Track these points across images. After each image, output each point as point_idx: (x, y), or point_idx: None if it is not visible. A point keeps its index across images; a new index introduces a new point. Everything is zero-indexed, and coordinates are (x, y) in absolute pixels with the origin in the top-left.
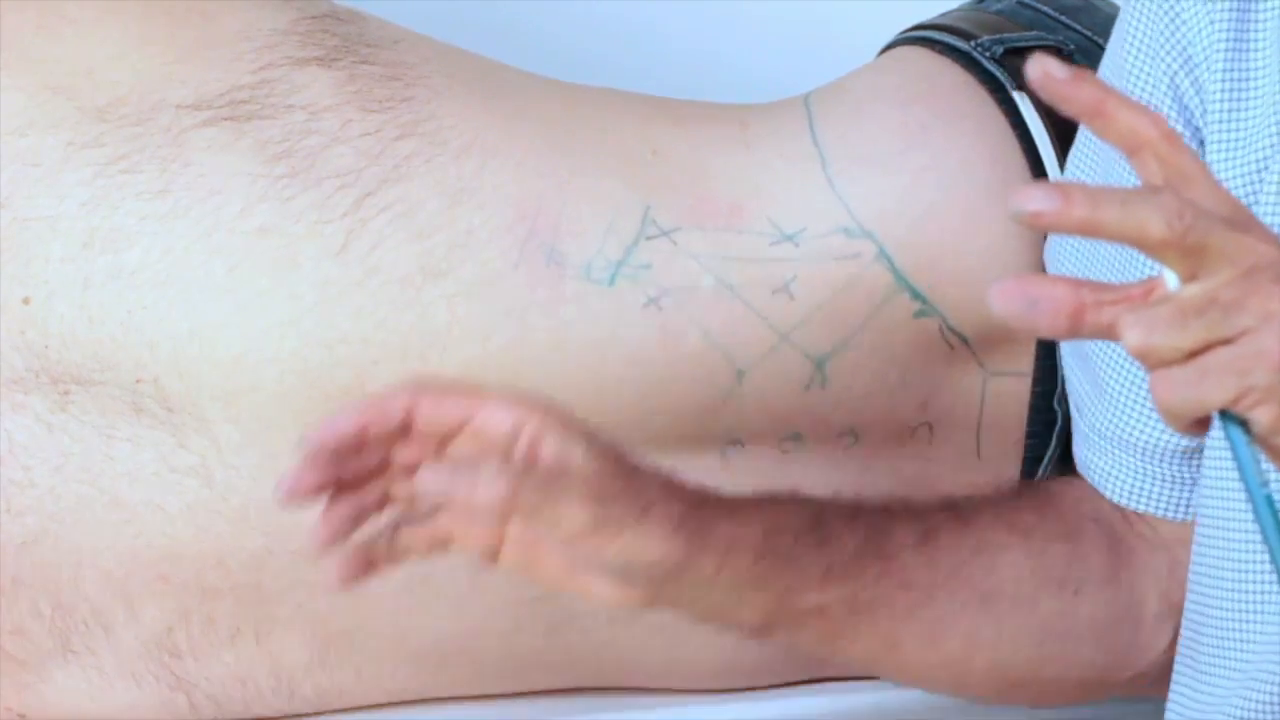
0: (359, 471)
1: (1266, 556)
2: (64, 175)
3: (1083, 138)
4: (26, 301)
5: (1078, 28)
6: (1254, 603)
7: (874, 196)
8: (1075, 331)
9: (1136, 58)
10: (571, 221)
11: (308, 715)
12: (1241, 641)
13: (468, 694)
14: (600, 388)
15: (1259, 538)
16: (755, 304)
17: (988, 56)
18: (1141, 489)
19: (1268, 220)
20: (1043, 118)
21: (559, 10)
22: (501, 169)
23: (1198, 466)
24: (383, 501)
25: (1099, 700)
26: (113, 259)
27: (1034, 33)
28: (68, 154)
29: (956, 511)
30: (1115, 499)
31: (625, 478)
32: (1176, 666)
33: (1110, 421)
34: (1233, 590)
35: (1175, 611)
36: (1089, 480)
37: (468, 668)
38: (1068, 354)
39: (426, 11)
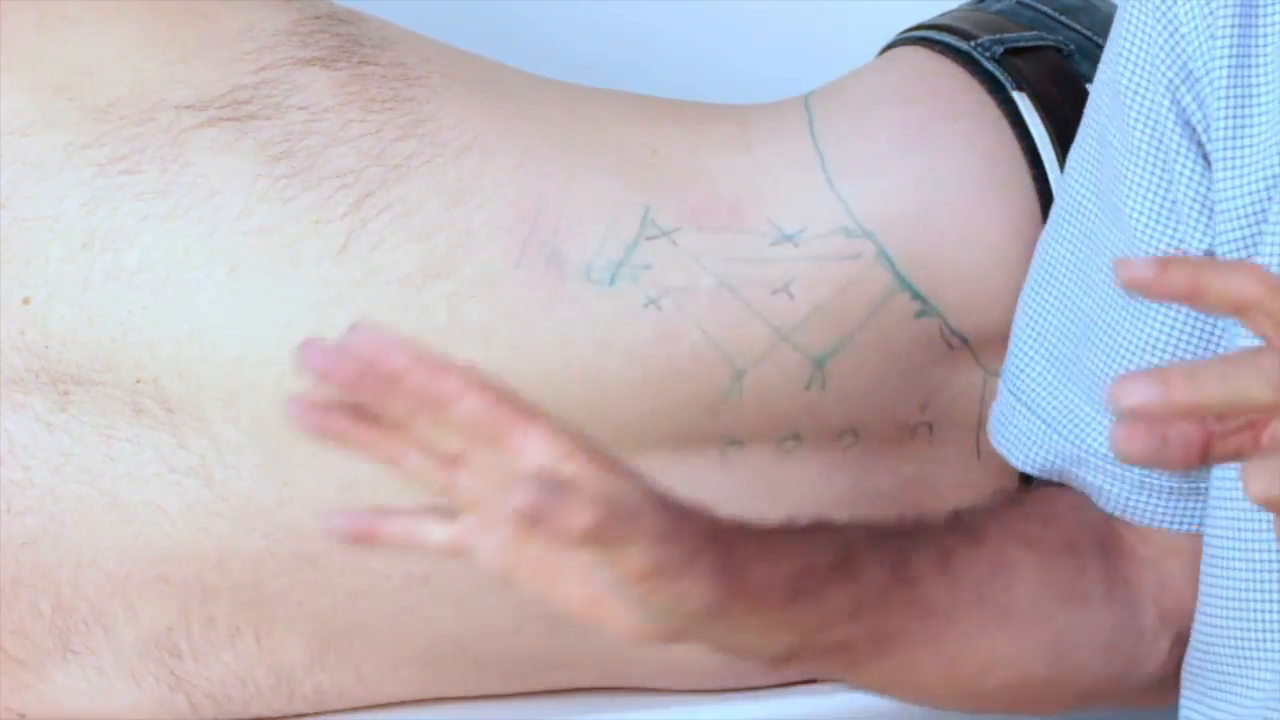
0: (376, 403)
1: (1274, 581)
2: (64, 175)
3: (1081, 140)
4: (26, 302)
5: (1077, 28)
6: (1262, 629)
7: (874, 196)
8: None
9: (1133, 71)
10: (571, 222)
11: (308, 715)
12: (1251, 666)
13: (468, 694)
14: (600, 388)
15: (1266, 560)
16: (755, 304)
17: (987, 56)
18: (1139, 502)
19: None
20: (1043, 118)
21: (559, 10)
22: (501, 169)
23: (1195, 476)
24: (395, 453)
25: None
26: (113, 259)
27: (1034, 33)
28: (68, 154)
29: (966, 529)
30: (1112, 511)
31: (679, 519)
32: (1184, 689)
33: (1104, 438)
34: (1241, 614)
35: (1169, 622)
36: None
37: (468, 668)
38: (1037, 364)
39: (426, 11)
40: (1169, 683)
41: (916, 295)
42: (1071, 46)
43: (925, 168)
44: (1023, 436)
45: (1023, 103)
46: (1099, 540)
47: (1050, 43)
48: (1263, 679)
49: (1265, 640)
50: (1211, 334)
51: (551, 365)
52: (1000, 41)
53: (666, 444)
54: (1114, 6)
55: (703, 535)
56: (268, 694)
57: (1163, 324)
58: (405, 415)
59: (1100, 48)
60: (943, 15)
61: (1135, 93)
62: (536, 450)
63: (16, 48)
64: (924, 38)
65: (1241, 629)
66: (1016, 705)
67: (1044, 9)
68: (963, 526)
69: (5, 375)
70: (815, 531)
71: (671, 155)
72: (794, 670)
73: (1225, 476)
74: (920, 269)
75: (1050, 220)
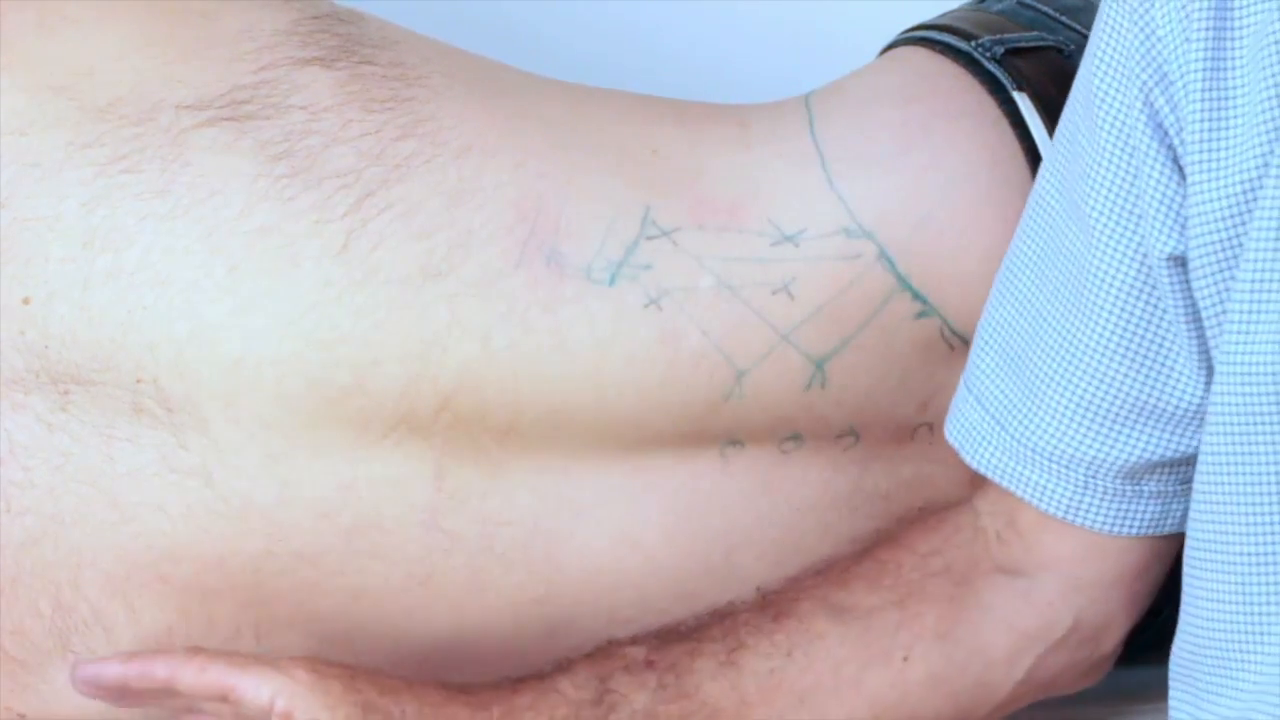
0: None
1: (1268, 579)
2: (64, 175)
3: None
4: (26, 302)
5: (1078, 28)
6: (1256, 626)
7: (874, 197)
8: None
9: (1106, 72)
10: (572, 222)
11: None
12: (1243, 664)
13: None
14: (600, 388)
15: (1259, 558)
16: (755, 304)
17: (988, 57)
18: (1080, 504)
19: (1256, 248)
20: (1043, 118)
21: (559, 10)
22: (501, 169)
23: (1139, 480)
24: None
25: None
26: (113, 259)
27: (1034, 33)
28: (68, 154)
29: (771, 610)
30: (1052, 513)
31: None
32: (1173, 687)
33: (1046, 437)
34: (1234, 612)
35: (1036, 638)
36: (1017, 493)
37: (468, 668)
38: (989, 359)
39: (426, 11)
40: (1047, 691)
41: (917, 296)
42: (1072, 47)
43: (926, 168)
44: (973, 432)
45: (1023, 103)
46: (952, 581)
47: (1051, 43)
48: (1255, 676)
49: (1257, 638)
50: (1158, 340)
51: (551, 365)
52: (1001, 42)
53: (667, 444)
54: None
55: None
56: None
57: (1108, 326)
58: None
59: None
60: (943, 15)
61: (1106, 94)
62: (249, 695)
63: (16, 48)
64: (925, 38)
65: (1232, 627)
66: None
67: (1045, 9)
68: (768, 609)
69: (5, 375)
70: (568, 672)
71: (672, 155)
72: None
73: (1210, 476)
74: (921, 270)
75: (1022, 217)
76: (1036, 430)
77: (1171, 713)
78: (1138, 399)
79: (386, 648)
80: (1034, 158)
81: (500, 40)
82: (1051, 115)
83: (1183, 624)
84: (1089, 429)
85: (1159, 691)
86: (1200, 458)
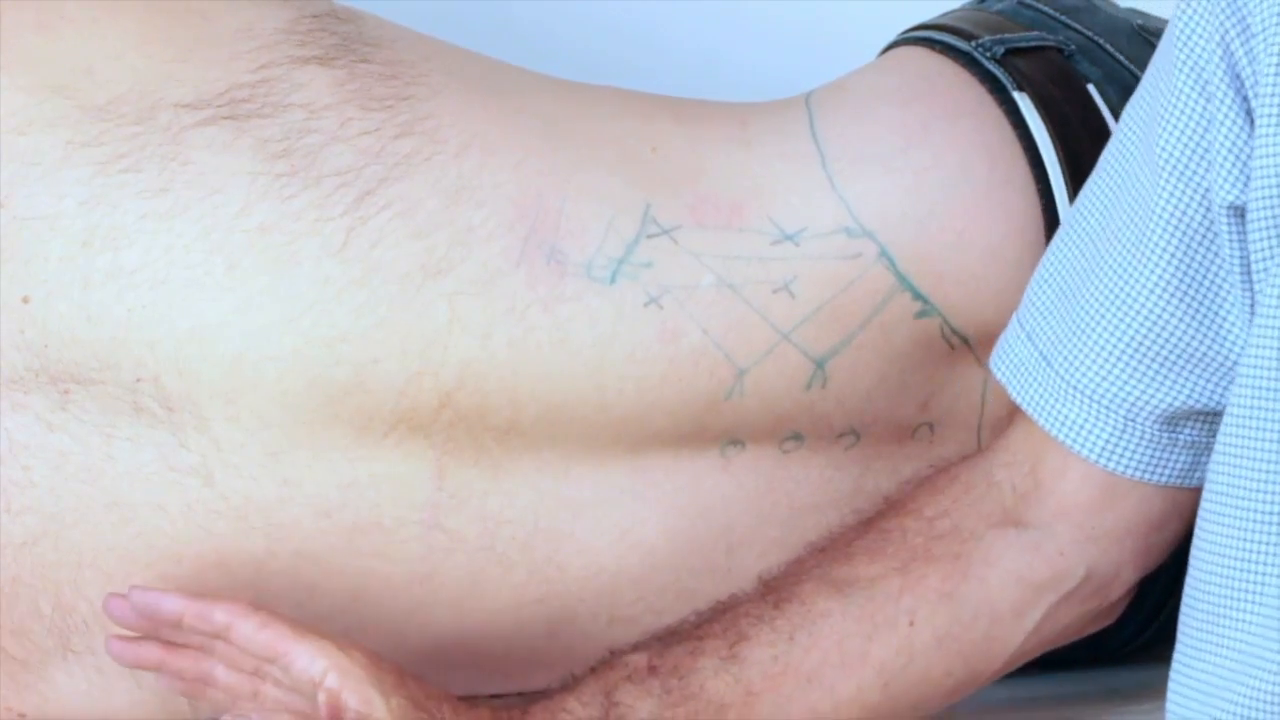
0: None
1: (1270, 535)
2: (63, 174)
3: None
4: (26, 300)
5: (1078, 27)
6: (1252, 580)
7: (875, 196)
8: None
9: (1190, 19)
10: (572, 220)
11: None
12: (1238, 619)
13: (468, 694)
14: (600, 386)
15: (1265, 513)
16: (756, 303)
17: (988, 57)
18: (1118, 447)
19: None
20: (1043, 117)
21: (559, 10)
22: (501, 167)
23: (1175, 428)
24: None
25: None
26: (112, 258)
27: (1035, 33)
28: (67, 153)
29: (773, 596)
30: (1089, 456)
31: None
32: (1176, 648)
33: (1091, 374)
34: (1232, 565)
35: (1045, 589)
36: (1056, 435)
37: (468, 668)
38: (1046, 295)
39: (426, 11)
40: (1098, 620)
41: (917, 295)
42: (1072, 47)
43: (926, 167)
44: (1019, 367)
45: (1024, 103)
46: (957, 540)
47: (1051, 43)
48: (1247, 635)
49: (1254, 592)
50: (1214, 287)
51: (552, 364)
52: (1001, 42)
53: (667, 443)
54: (1115, 7)
55: None
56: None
57: (1167, 268)
58: (203, 642)
59: (1101, 48)
60: (944, 15)
61: (1188, 39)
62: (301, 665)
63: (15, 47)
64: (925, 38)
65: (1229, 582)
66: None
67: (1045, 9)
68: (769, 595)
69: (5, 374)
70: (574, 690)
71: (672, 153)
72: None
73: (1232, 428)
74: (921, 269)
75: (1103, 155)
76: (1082, 367)
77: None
78: (1187, 344)
79: (387, 647)
80: (1034, 157)
81: (500, 39)
82: (1051, 115)
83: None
84: (1135, 369)
85: (1159, 691)
86: (1228, 410)
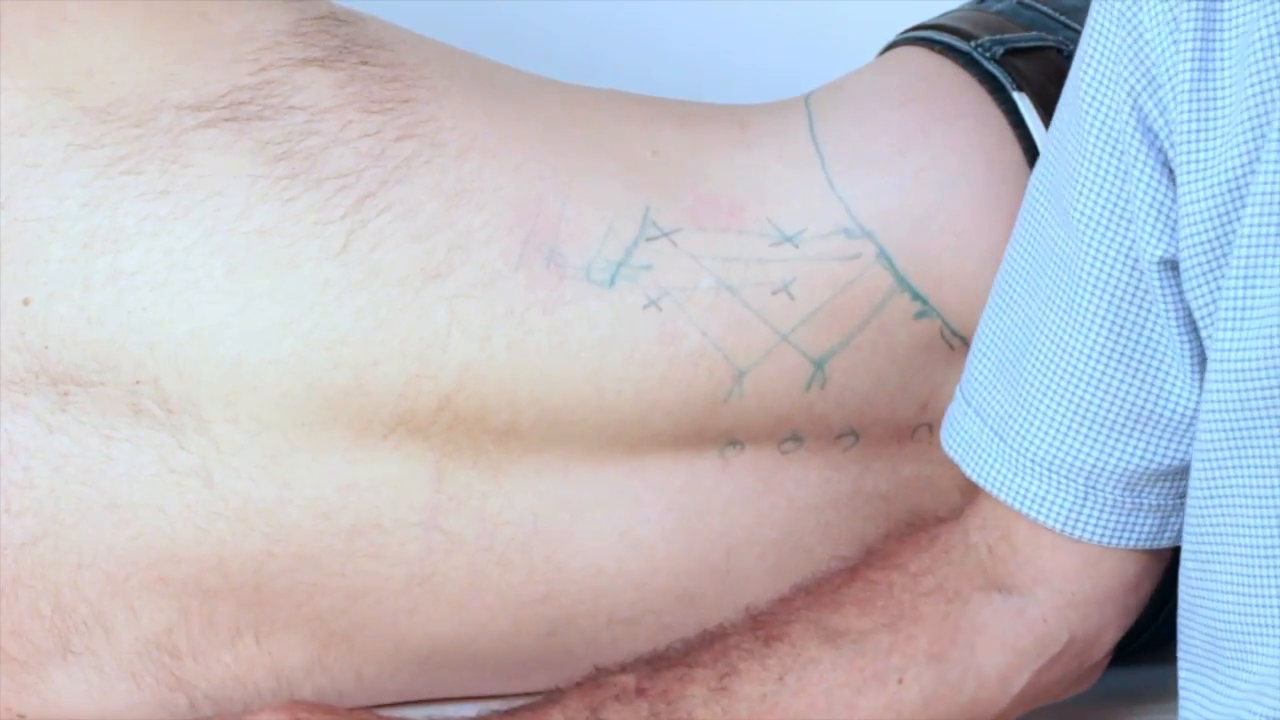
0: None
1: (1272, 571)
2: (64, 176)
3: (1046, 145)
4: (26, 302)
5: (1078, 28)
6: (1263, 615)
7: (874, 197)
8: None
9: (1094, 76)
10: (571, 223)
11: None
12: (1252, 654)
13: (468, 695)
14: (600, 388)
15: (1265, 552)
16: (755, 305)
17: (988, 57)
18: (1080, 515)
19: (1247, 242)
20: (1043, 118)
21: (559, 10)
22: (501, 170)
23: (1139, 491)
24: None
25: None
26: (113, 260)
27: (1034, 33)
28: (68, 155)
29: (763, 632)
30: (1051, 525)
31: None
32: (1183, 678)
33: (1044, 446)
34: (1245, 603)
35: (1030, 655)
36: (1019, 509)
37: (467, 669)
38: (985, 369)
39: (426, 12)
40: (1073, 687)
41: (916, 296)
42: (1072, 47)
43: (926, 168)
44: (971, 443)
45: (1023, 103)
46: (944, 600)
47: (1051, 43)
48: (1257, 669)
49: (1262, 632)
50: (1151, 344)
51: (551, 366)
52: (1001, 42)
53: (666, 445)
54: None
55: None
56: (268, 695)
57: (1100, 331)
58: None
59: None
60: (943, 15)
61: (1094, 98)
62: None
63: (16, 49)
64: (924, 38)
65: (1242, 621)
66: None
67: (1044, 9)
68: (759, 631)
69: (5, 376)
70: (559, 704)
71: (671, 156)
72: None
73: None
74: (920, 270)
75: (1016, 224)
76: (1034, 439)
77: (1182, 703)
78: (1133, 405)
79: (386, 648)
80: (1034, 158)
81: (500, 40)
82: (1051, 115)
83: (1190, 618)
84: (1086, 436)
85: (1159, 692)
86: (1196, 454)
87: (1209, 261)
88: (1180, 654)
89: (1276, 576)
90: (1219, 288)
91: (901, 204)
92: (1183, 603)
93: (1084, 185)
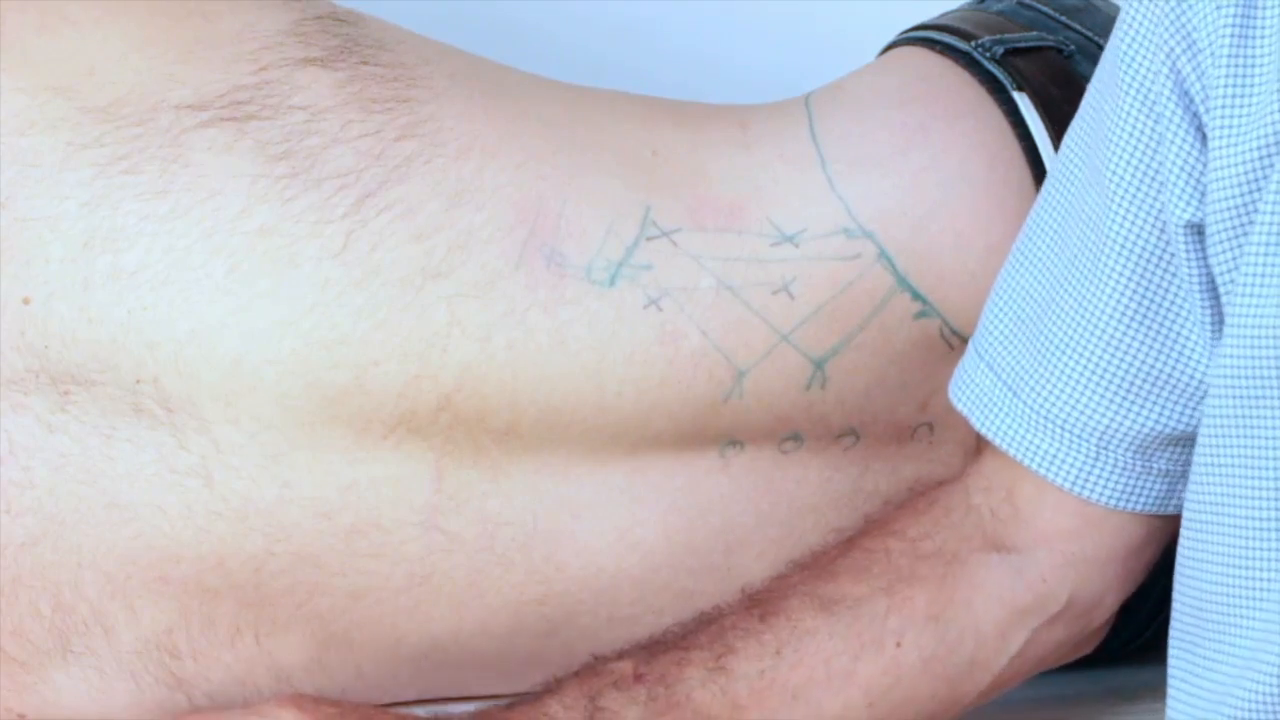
0: None
1: (1268, 540)
2: (64, 175)
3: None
4: (26, 301)
5: (1078, 28)
6: (1256, 585)
7: (874, 197)
8: None
9: (1134, 40)
10: (571, 222)
11: None
12: (1242, 625)
13: (468, 694)
14: (600, 388)
15: (1260, 521)
16: (755, 304)
17: (988, 57)
18: (1090, 475)
19: (1272, 209)
20: (1043, 118)
21: (560, 10)
22: (501, 170)
23: (1149, 456)
24: None
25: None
26: (113, 259)
27: (1034, 33)
28: (68, 154)
29: (759, 610)
30: (1063, 485)
31: None
32: (1172, 658)
33: (1059, 403)
34: (1234, 575)
35: (1029, 613)
36: (1028, 465)
37: (467, 668)
38: (1003, 324)
39: (427, 12)
40: (1038, 668)
41: (917, 296)
42: (1072, 47)
43: (926, 168)
44: (983, 398)
45: (1023, 103)
46: (943, 563)
47: (1051, 43)
48: (1249, 640)
49: (1255, 602)
50: (1174, 308)
51: (551, 366)
52: (1001, 42)
53: (666, 445)
54: (1115, 7)
55: None
56: (268, 694)
57: (1124, 292)
58: None
59: (1101, 48)
60: (943, 15)
61: (1132, 60)
62: None
63: (16, 48)
64: (924, 38)
65: (1233, 592)
66: None
67: (1045, 9)
68: (754, 609)
69: (5, 375)
70: (557, 694)
71: (672, 155)
72: None
73: (1213, 439)
74: (921, 269)
75: (1042, 189)
76: (1050, 396)
77: (1170, 683)
78: (1150, 368)
79: (386, 648)
80: (1034, 158)
81: (500, 40)
82: (1051, 115)
83: (1181, 591)
84: (1102, 396)
85: (1158, 691)
86: (1204, 421)
87: (1235, 227)
88: (1171, 632)
89: (1270, 547)
90: (1242, 253)
91: (902, 204)
92: (1176, 577)
93: (1117, 146)
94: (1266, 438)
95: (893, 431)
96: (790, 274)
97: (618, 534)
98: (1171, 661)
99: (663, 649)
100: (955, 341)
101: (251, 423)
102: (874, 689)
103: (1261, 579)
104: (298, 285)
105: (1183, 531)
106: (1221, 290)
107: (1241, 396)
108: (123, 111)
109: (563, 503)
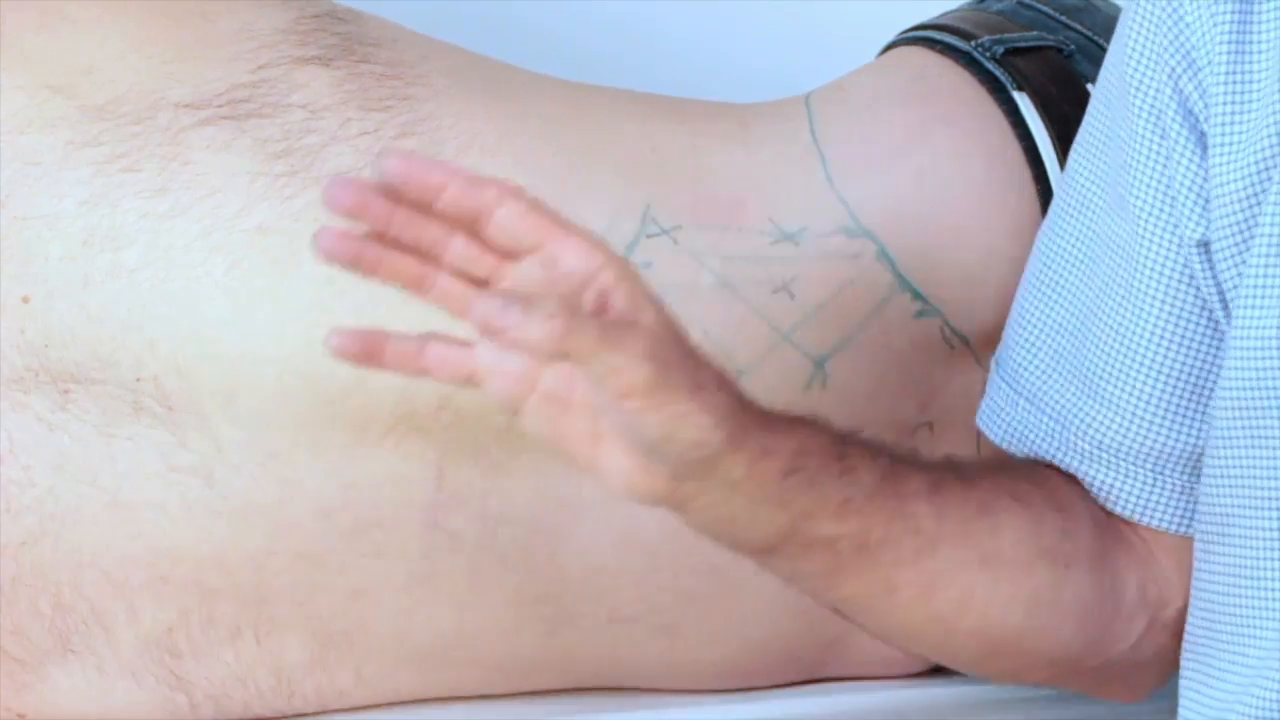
0: (409, 231)
1: (1273, 551)
2: (63, 174)
3: (1085, 134)
4: (26, 300)
5: (1078, 28)
6: (1263, 597)
7: (874, 196)
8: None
9: (1139, 62)
10: (571, 219)
11: (308, 715)
12: (1251, 637)
13: (468, 694)
14: None
15: (1265, 533)
16: (755, 303)
17: (988, 57)
18: (1150, 501)
19: (1271, 222)
20: (1043, 118)
21: (560, 9)
22: (501, 168)
23: (1197, 478)
24: (424, 278)
25: (1062, 686)
26: (112, 257)
27: (1034, 33)
28: (67, 153)
29: (960, 472)
30: (1123, 513)
31: (687, 352)
32: (1184, 669)
33: (1113, 433)
34: (1242, 587)
35: (1150, 606)
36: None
37: (468, 668)
38: (1040, 360)
39: (427, 11)
40: (1138, 672)
41: (917, 295)
42: (1072, 47)
43: (926, 168)
44: (1024, 429)
45: (1023, 103)
46: (1094, 514)
47: (1051, 43)
48: (1259, 651)
49: (1264, 614)
50: (1210, 324)
51: None
52: (1001, 42)
53: None
54: (1115, 7)
55: (713, 379)
56: (268, 694)
57: (1161, 315)
58: (436, 241)
59: (1101, 48)
60: (943, 15)
61: (1140, 83)
62: (573, 257)
63: (16, 47)
64: (925, 38)
65: (1242, 603)
66: (986, 660)
67: (1045, 9)
68: (957, 469)
69: (5, 374)
70: (817, 423)
71: (672, 153)
72: (776, 566)
73: (1221, 453)
74: (921, 269)
75: (1050, 215)
76: (1104, 428)
77: (1181, 693)
78: (1194, 385)
79: (387, 647)
80: (1034, 158)
81: (500, 39)
82: (1051, 115)
83: (1194, 602)
84: (1154, 420)
85: (1159, 691)
86: (1211, 434)
87: (1238, 242)
88: (1184, 644)
89: (1276, 558)
90: (1245, 266)
91: (902, 203)
92: (1191, 588)
93: (1136, 169)
94: (1269, 451)
95: (893, 431)
96: (790, 273)
97: (618, 533)
98: (1184, 671)
99: (880, 448)
100: (955, 341)
101: (252, 421)
102: (1039, 599)
103: (1268, 590)
104: (298, 283)
105: (1195, 543)
106: (1230, 304)
107: (1244, 410)
108: (122, 110)
109: (563, 501)
